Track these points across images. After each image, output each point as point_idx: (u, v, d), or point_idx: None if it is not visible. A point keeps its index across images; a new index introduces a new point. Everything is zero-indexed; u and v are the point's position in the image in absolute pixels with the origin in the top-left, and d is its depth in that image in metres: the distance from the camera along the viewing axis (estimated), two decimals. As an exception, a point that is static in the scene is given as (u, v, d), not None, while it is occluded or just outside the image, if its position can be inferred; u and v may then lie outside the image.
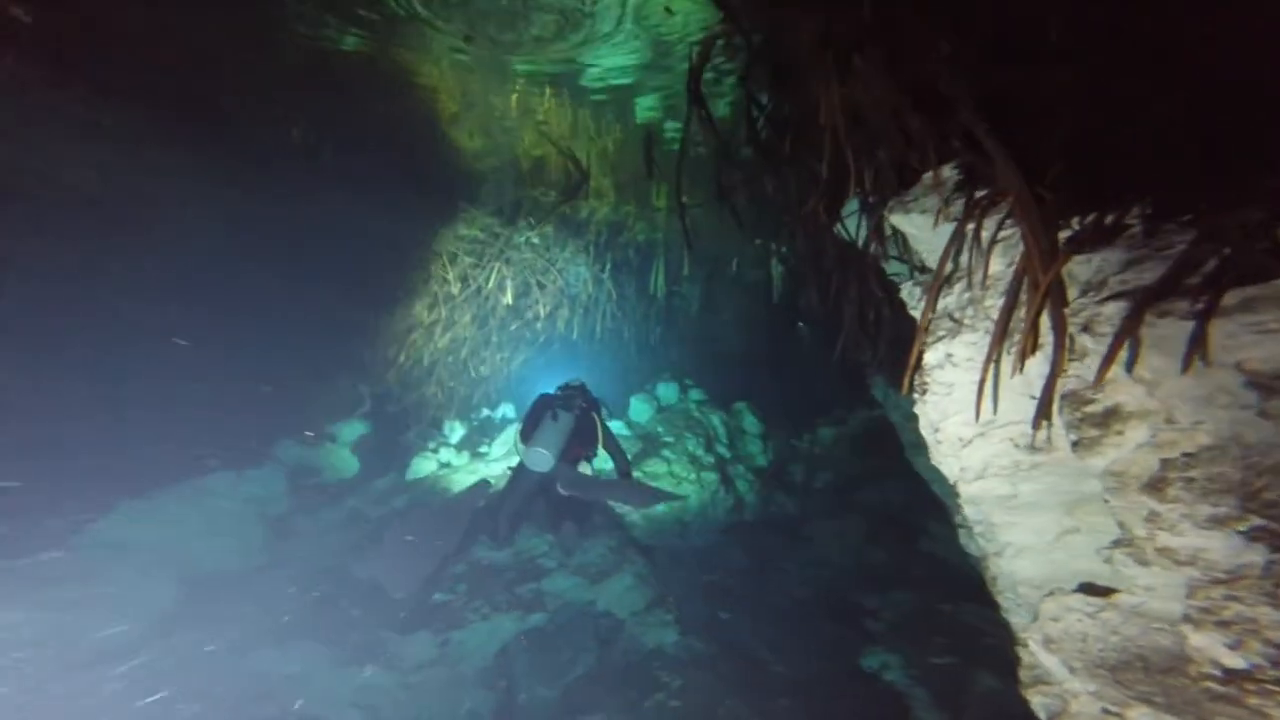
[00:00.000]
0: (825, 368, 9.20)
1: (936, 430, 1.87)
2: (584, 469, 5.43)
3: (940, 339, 1.84)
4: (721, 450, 7.91)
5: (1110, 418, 1.36)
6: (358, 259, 7.49)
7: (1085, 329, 1.39)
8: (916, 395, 1.93)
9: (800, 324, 9.52)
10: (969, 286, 1.76)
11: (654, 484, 6.98)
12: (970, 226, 1.72)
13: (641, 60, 6.47)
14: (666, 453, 7.34)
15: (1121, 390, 1.35)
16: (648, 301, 8.61)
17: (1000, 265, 1.68)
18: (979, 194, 1.75)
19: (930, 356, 1.85)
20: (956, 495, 2.05)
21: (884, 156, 2.63)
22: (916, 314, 2.32)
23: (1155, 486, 1.23)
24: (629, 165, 7.80)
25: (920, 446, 5.27)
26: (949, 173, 2.16)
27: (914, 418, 5.16)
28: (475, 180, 7.56)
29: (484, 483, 7.18)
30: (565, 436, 5.02)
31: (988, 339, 1.66)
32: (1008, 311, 1.56)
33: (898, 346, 4.42)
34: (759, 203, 6.26)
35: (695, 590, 5.85)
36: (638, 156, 7.79)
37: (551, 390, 5.46)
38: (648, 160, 6.31)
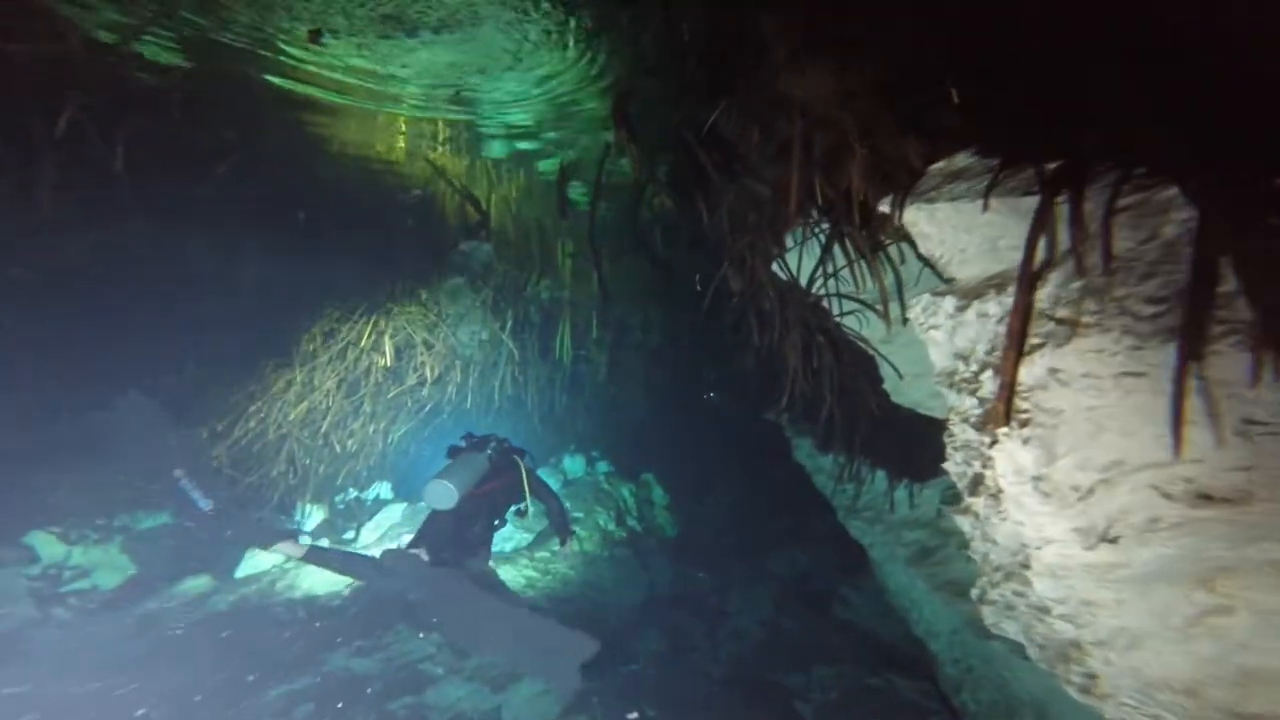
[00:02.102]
0: (736, 433, 9.04)
1: (1039, 478, 1.39)
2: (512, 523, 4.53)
3: (1038, 349, 1.38)
4: (632, 523, 7.26)
5: None
6: (171, 302, 6.15)
7: None
8: (1008, 430, 1.48)
9: (710, 394, 9.38)
10: (1077, 275, 1.36)
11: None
12: (1062, 200, 1.39)
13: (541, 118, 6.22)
14: (578, 529, 6.55)
15: None
16: (552, 367, 7.98)
17: (1131, 242, 1.29)
18: (1053, 165, 1.45)
19: (1024, 374, 1.41)
20: (1025, 566, 1.62)
21: (868, 153, 2.40)
22: (939, 333, 1.99)
23: None
24: (534, 212, 7.41)
25: (856, 510, 5.06)
26: (967, 159, 1.95)
27: (849, 480, 4.95)
28: (346, 216, 6.68)
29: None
30: (475, 475, 4.24)
31: (1128, 341, 1.24)
32: (1201, 296, 1.10)
33: (845, 397, 4.22)
34: (682, 244, 6.11)
35: (615, 686, 4.99)
36: (542, 206, 7.45)
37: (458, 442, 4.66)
38: (561, 197, 5.97)
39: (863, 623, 6.76)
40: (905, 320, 2.93)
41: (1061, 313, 1.37)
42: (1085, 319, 1.32)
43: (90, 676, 4.63)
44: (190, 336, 6.39)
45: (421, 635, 5.18)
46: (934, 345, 1.98)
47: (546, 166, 7.26)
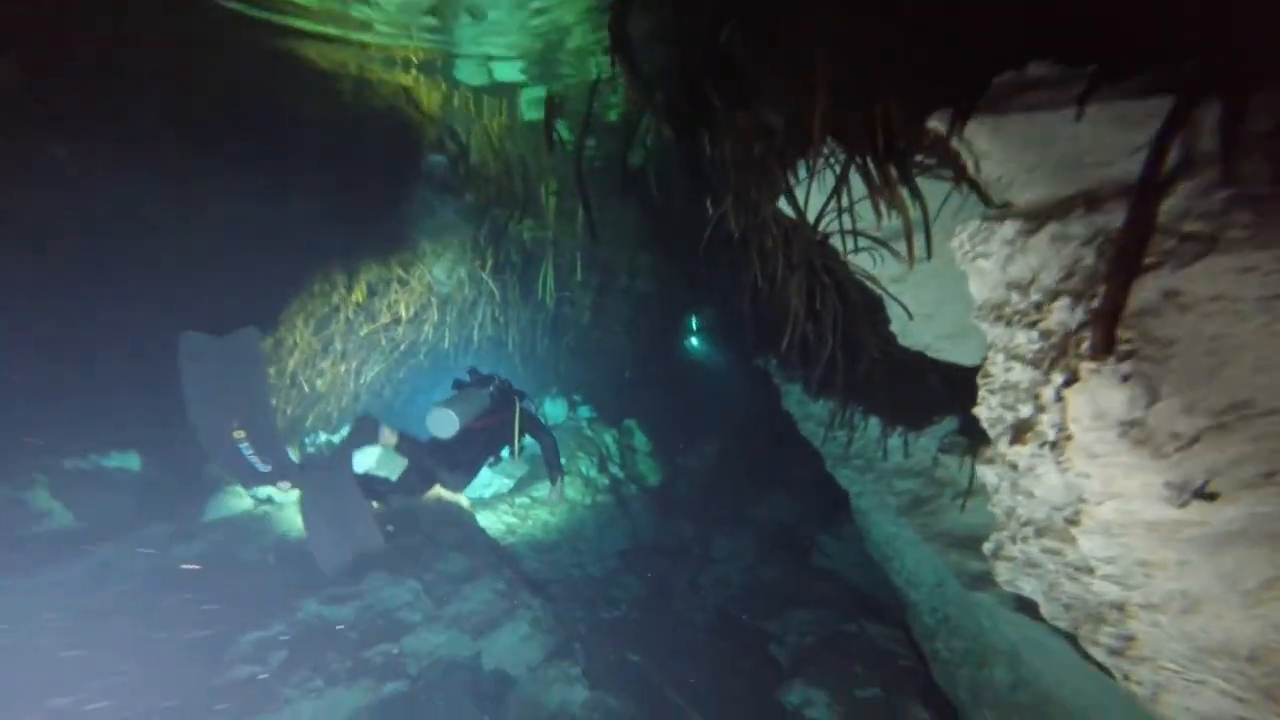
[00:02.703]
0: (722, 380, 8.94)
1: (1130, 424, 1.18)
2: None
3: (1151, 270, 1.17)
4: (615, 471, 7.16)
5: None
6: (121, 236, 5.61)
7: None
8: (1098, 366, 1.26)
9: (692, 340, 9.20)
10: (1222, 184, 1.14)
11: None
12: (1205, 102, 1.14)
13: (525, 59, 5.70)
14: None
15: None
16: (535, 308, 7.66)
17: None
18: (1194, 63, 1.19)
19: (1136, 299, 1.19)
20: (1072, 522, 1.46)
21: (907, 69, 2.13)
22: (989, 261, 1.77)
23: None
24: (516, 149, 6.93)
25: (846, 459, 4.97)
26: (1044, 69, 1.69)
27: (841, 427, 4.85)
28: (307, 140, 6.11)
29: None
30: (476, 409, 4.29)
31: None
32: None
33: (848, 341, 4.04)
34: (678, 185, 5.76)
35: (600, 631, 4.96)
36: (526, 143, 6.97)
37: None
38: (548, 131, 5.53)
39: (840, 571, 6.87)
40: (930, 255, 2.72)
41: (1192, 227, 1.14)
42: (1233, 233, 1.09)
43: (52, 625, 4.42)
44: (141, 268, 5.86)
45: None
46: (979, 276, 1.77)
47: (531, 101, 6.75)
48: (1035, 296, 1.49)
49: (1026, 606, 3.08)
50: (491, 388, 4.57)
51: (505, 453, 4.52)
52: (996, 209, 1.78)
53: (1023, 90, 1.63)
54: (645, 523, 7.03)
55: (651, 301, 8.29)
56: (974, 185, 1.92)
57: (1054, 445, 1.43)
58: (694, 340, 10.10)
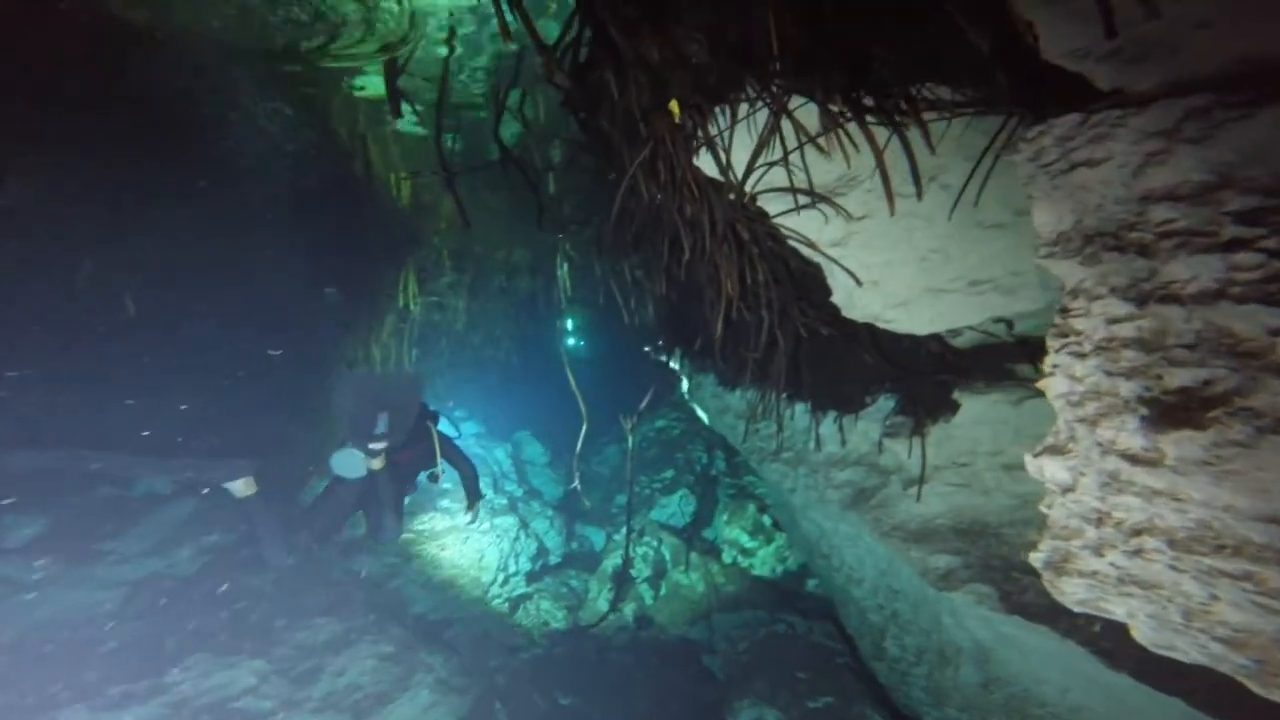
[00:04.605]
0: (616, 378, 8.38)
1: None
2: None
3: None
4: (512, 488, 6.36)
5: None
6: None
7: None
8: None
9: (571, 340, 8.48)
10: None
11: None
12: None
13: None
14: (447, 502, 5.49)
15: None
16: (398, 316, 6.59)
17: None
18: None
19: None
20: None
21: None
22: (1097, 171, 1.42)
23: None
24: (350, 128, 5.83)
25: (776, 454, 4.62)
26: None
27: (766, 417, 4.48)
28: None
29: None
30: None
31: None
32: None
33: (785, 318, 3.69)
34: (560, 160, 5.10)
35: (520, 677, 4.21)
36: (366, 122, 5.89)
37: None
38: (392, 97, 4.56)
39: (753, 567, 6.65)
40: (920, 196, 2.40)
41: None
42: None
43: None
44: None
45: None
46: (1067, 197, 1.41)
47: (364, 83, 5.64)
48: (1237, 202, 1.13)
49: (1015, 607, 2.79)
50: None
51: (422, 478, 3.88)
52: (1103, 100, 1.40)
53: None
54: (552, 539, 6.31)
55: (536, 300, 7.57)
56: (1044, 78, 1.53)
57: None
58: (573, 340, 9.59)
